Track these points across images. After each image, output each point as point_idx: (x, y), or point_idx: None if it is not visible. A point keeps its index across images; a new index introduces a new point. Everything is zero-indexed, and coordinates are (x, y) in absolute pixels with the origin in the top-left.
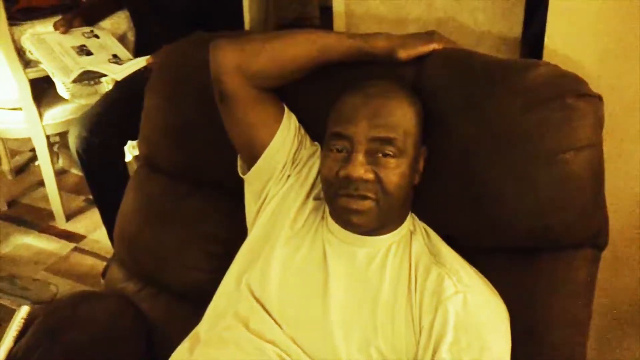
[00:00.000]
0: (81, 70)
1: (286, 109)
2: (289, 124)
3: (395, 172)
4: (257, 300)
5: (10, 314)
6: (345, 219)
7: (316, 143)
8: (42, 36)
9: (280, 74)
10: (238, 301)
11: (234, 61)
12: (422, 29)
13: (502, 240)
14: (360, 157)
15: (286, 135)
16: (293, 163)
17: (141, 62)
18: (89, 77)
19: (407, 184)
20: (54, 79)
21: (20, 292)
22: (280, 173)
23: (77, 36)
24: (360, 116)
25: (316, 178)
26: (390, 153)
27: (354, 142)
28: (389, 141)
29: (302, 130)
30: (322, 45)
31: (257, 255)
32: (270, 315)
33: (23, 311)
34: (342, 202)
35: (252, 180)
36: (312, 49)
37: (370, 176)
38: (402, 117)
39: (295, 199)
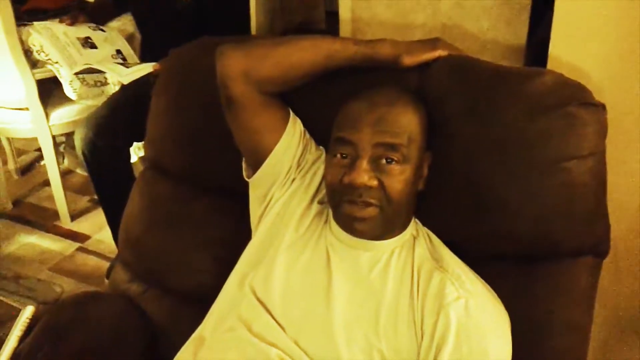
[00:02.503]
0: (86, 67)
1: (291, 113)
2: (294, 128)
3: (399, 178)
4: (261, 303)
5: (14, 313)
6: (349, 226)
7: (321, 147)
8: (48, 25)
9: (286, 80)
10: (241, 303)
11: (240, 67)
12: (427, 35)
13: (505, 246)
14: (364, 164)
15: (291, 140)
16: (298, 167)
17: (147, 67)
18: (94, 72)
19: (410, 190)
20: (61, 80)
21: (25, 292)
22: (285, 177)
23: (82, 28)
24: (364, 122)
25: (320, 182)
26: (395, 159)
27: (358, 149)
28: (393, 147)
29: (307, 135)
30: (328, 51)
31: (261, 257)
32: (273, 317)
33: (28, 311)
34: (346, 209)
35: (257, 184)
36: (318, 55)
37: (374, 183)
38: (406, 123)
39: (300, 203)
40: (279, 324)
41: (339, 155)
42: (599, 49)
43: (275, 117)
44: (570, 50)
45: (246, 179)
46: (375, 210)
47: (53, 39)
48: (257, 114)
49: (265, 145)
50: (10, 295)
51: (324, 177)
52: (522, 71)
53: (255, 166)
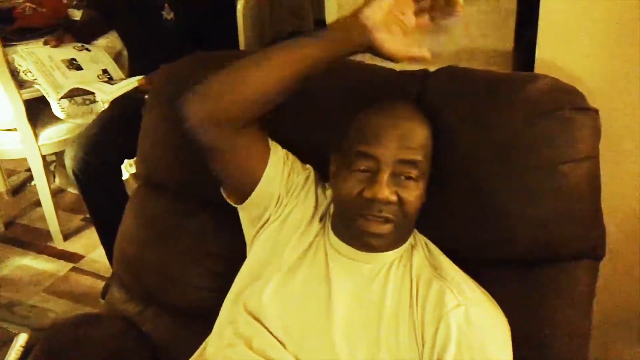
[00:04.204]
0: (71, 87)
1: (270, 141)
2: (277, 155)
3: (414, 194)
4: (259, 320)
5: (8, 337)
6: (364, 241)
7: (308, 166)
8: (32, 49)
9: (257, 107)
10: (240, 321)
11: (202, 114)
12: (416, 43)
13: (505, 252)
14: (386, 178)
15: (275, 171)
16: (287, 193)
17: (132, 83)
18: (81, 93)
19: (421, 204)
20: (49, 99)
21: (18, 320)
22: (276, 203)
23: (67, 49)
24: (389, 138)
25: (316, 201)
26: (413, 176)
27: (380, 163)
28: (414, 164)
29: (290, 157)
30: (295, 64)
31: (258, 275)
32: (272, 334)
33: (21, 339)
34: (362, 225)
35: (248, 209)
36: (284, 71)
37: (394, 198)
38: (424, 139)
39: (296, 223)
40: (279, 340)
41: (358, 169)
42: (585, 50)
43: (254, 152)
44: (557, 52)
45: (234, 205)
46: (391, 226)
47: (38, 64)
48: (234, 155)
49: (249, 180)
50: (4, 322)
51: (336, 191)
52: (518, 77)
53: (240, 198)
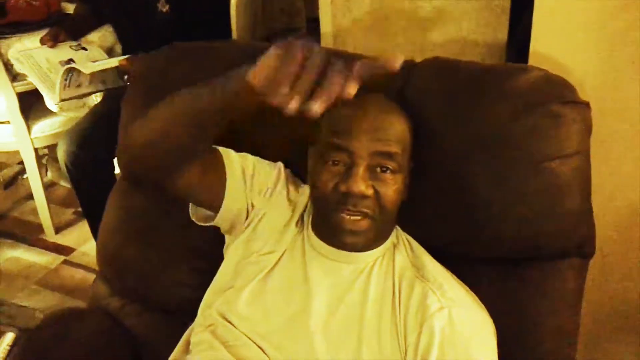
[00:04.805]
0: (62, 70)
1: (224, 156)
2: (234, 177)
3: (392, 188)
4: (236, 327)
5: None
6: (340, 239)
7: (277, 164)
8: (29, 52)
9: (177, 155)
10: (217, 325)
11: (134, 167)
12: (408, 38)
13: (490, 250)
14: (361, 172)
15: (236, 188)
16: (257, 198)
17: (113, 61)
18: (77, 96)
19: (400, 200)
20: (42, 92)
21: (5, 319)
22: (246, 215)
23: (64, 49)
24: (361, 129)
25: (290, 202)
26: (390, 168)
27: (354, 156)
28: (390, 156)
29: (250, 164)
30: (193, 116)
31: (230, 284)
32: (251, 339)
33: (8, 338)
34: (339, 220)
35: (218, 222)
36: (181, 128)
37: (370, 192)
38: (401, 131)
39: (271, 229)
40: (259, 346)
41: (331, 162)
42: (581, 44)
43: (209, 178)
44: (552, 45)
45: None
46: (368, 222)
47: (35, 67)
48: (190, 188)
49: (210, 207)
50: None
51: (312, 185)
52: (505, 69)
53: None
